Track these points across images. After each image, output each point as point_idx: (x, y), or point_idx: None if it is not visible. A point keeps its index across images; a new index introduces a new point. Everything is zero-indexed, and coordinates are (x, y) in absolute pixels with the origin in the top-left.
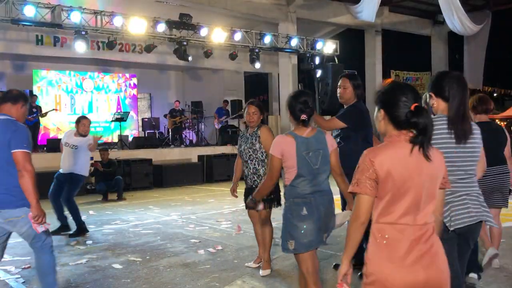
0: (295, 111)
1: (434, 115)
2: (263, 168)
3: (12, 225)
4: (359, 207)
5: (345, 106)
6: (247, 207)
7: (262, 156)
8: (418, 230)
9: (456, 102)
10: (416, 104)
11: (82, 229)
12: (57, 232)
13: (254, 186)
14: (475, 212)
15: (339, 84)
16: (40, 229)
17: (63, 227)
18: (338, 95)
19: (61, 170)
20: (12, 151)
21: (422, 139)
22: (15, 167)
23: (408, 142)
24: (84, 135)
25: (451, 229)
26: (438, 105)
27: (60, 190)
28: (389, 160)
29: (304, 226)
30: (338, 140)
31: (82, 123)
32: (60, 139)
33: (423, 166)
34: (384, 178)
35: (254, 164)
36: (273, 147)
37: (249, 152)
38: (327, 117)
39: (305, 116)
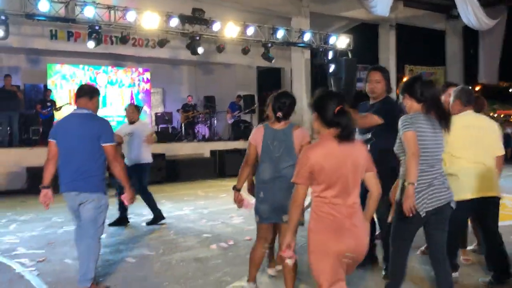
0: (274, 109)
1: (407, 113)
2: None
3: (82, 206)
4: (297, 194)
5: (372, 101)
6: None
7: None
8: (349, 208)
9: (428, 103)
10: (339, 107)
11: (158, 217)
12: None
13: None
14: (443, 194)
15: (368, 78)
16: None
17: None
18: (367, 90)
19: (127, 163)
20: (103, 144)
21: (345, 135)
22: (98, 157)
23: (335, 138)
24: (132, 122)
25: (422, 214)
26: (412, 105)
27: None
28: (322, 156)
29: (261, 207)
30: (370, 135)
31: (126, 111)
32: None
33: (347, 157)
34: (318, 171)
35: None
36: (251, 135)
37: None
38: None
39: (280, 114)
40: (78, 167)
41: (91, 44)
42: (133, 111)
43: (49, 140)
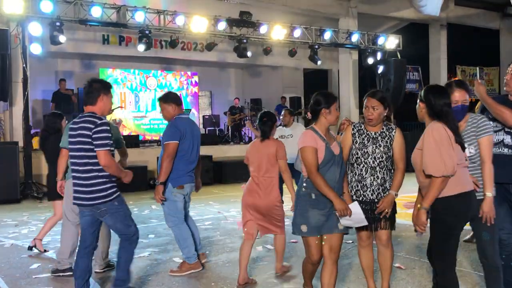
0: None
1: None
2: (390, 179)
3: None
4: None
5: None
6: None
7: (390, 165)
8: (263, 179)
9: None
10: (264, 118)
11: None
12: None
13: (376, 200)
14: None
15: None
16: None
17: None
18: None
19: None
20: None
21: (262, 137)
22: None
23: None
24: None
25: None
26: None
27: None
28: (251, 148)
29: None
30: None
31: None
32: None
33: (263, 149)
34: (248, 157)
35: (384, 174)
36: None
37: (382, 156)
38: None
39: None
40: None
41: (141, 48)
42: (287, 115)
43: (174, 141)
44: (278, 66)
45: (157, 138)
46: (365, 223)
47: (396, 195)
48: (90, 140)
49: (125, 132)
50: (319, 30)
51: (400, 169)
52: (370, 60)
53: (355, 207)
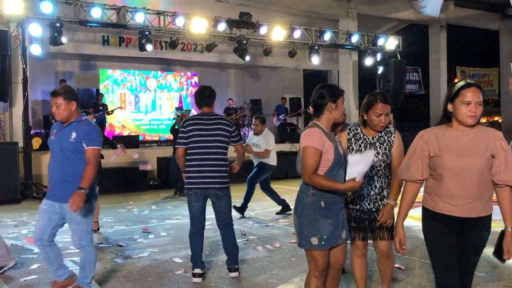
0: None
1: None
2: (388, 187)
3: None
4: None
5: None
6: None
7: (388, 171)
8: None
9: None
10: None
11: (285, 207)
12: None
13: (374, 209)
14: None
15: None
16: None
17: (285, 208)
18: None
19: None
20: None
21: None
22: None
23: None
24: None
25: None
26: None
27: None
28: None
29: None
30: None
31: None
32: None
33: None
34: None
35: (382, 182)
36: (313, 139)
37: (381, 165)
38: None
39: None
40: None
41: (149, 48)
42: (258, 124)
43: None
44: (278, 67)
45: (156, 138)
46: (373, 156)
47: (396, 204)
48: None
49: (125, 133)
50: (319, 31)
51: (398, 176)
52: (370, 61)
53: (353, 157)
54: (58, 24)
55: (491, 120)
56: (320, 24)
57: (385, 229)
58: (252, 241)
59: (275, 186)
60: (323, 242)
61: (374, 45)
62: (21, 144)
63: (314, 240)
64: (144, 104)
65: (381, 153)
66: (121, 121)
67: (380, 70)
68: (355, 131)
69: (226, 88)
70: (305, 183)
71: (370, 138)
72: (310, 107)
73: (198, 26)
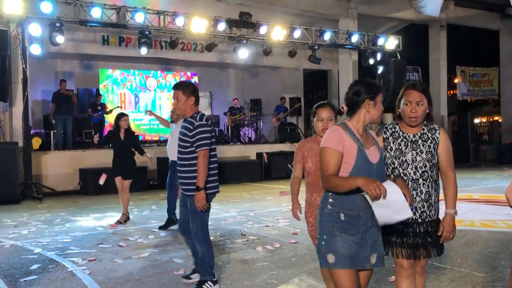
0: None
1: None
2: (436, 193)
3: None
4: None
5: None
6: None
7: (436, 174)
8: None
9: None
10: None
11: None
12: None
13: (420, 220)
14: None
15: None
16: None
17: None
18: None
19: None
20: None
21: None
22: None
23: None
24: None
25: None
26: None
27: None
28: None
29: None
30: None
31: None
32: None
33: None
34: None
35: (428, 187)
36: (334, 139)
37: (425, 165)
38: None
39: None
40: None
41: (143, 51)
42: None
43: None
44: (278, 67)
45: (156, 138)
46: (410, 212)
47: (456, 213)
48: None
49: None
50: (319, 30)
51: (451, 180)
52: (370, 61)
53: (391, 186)
54: (58, 24)
55: (491, 120)
56: (320, 24)
57: (433, 244)
58: (252, 241)
59: (275, 186)
60: (341, 261)
61: (374, 45)
62: (21, 144)
63: (331, 258)
64: (144, 104)
65: (424, 152)
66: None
67: (380, 70)
68: (393, 129)
69: (226, 88)
70: (326, 191)
71: (411, 136)
72: (344, 106)
73: (198, 26)
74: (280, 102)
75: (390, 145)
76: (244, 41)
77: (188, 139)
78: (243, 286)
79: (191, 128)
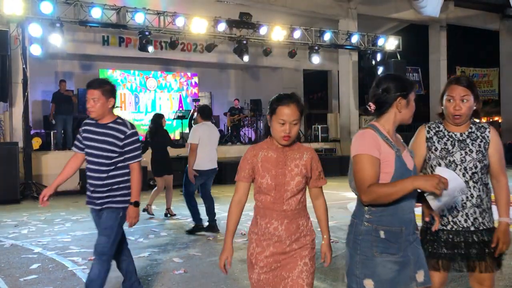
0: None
1: None
2: (488, 198)
3: None
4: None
5: None
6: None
7: (487, 177)
8: None
9: None
10: None
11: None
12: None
13: (473, 228)
14: None
15: None
16: None
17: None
18: None
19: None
20: None
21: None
22: None
23: None
24: None
25: None
26: None
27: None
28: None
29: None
30: None
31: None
32: None
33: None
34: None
35: (479, 190)
36: (366, 143)
37: (476, 166)
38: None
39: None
40: None
41: (150, 49)
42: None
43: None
44: (278, 67)
45: None
46: (461, 181)
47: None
48: None
49: None
50: (319, 31)
51: (503, 185)
52: (370, 61)
53: (443, 171)
54: (58, 25)
55: (491, 120)
56: (320, 24)
57: (488, 256)
58: None
59: None
60: (381, 287)
61: (374, 45)
62: (21, 144)
63: (369, 284)
64: (144, 104)
65: (475, 151)
66: None
67: (380, 70)
68: (437, 129)
69: (226, 88)
70: (360, 204)
71: (458, 135)
72: (371, 104)
73: (198, 26)
74: None
75: (434, 145)
76: (244, 42)
77: (116, 149)
78: (243, 285)
79: (122, 137)
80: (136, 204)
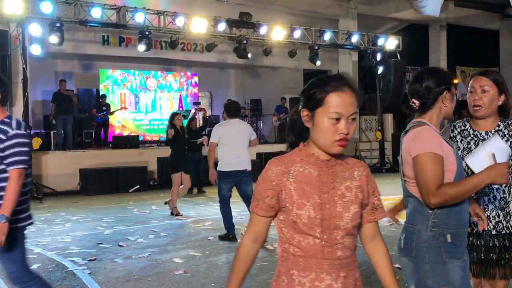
0: None
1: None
2: None
3: None
4: None
5: None
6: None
7: None
8: None
9: None
10: None
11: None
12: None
13: (496, 232)
14: None
15: None
16: None
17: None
18: None
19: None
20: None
21: None
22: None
23: None
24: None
25: None
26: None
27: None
28: None
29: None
30: None
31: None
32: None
33: None
34: None
35: (503, 192)
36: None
37: None
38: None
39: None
40: None
41: (141, 49)
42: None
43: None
44: (278, 67)
45: (156, 138)
46: (498, 138)
47: None
48: None
49: (125, 133)
50: (319, 31)
51: None
52: (370, 61)
53: (476, 157)
54: (58, 24)
55: None
56: (320, 24)
57: (508, 263)
58: None
59: None
60: None
61: (374, 45)
62: None
63: None
64: (144, 104)
65: None
66: (121, 121)
67: (380, 70)
68: (462, 127)
69: (226, 88)
70: (422, 207)
71: (483, 134)
72: (415, 101)
73: (198, 26)
74: (280, 103)
75: (457, 145)
76: (244, 41)
77: None
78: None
79: (3, 138)
80: (3, 219)
